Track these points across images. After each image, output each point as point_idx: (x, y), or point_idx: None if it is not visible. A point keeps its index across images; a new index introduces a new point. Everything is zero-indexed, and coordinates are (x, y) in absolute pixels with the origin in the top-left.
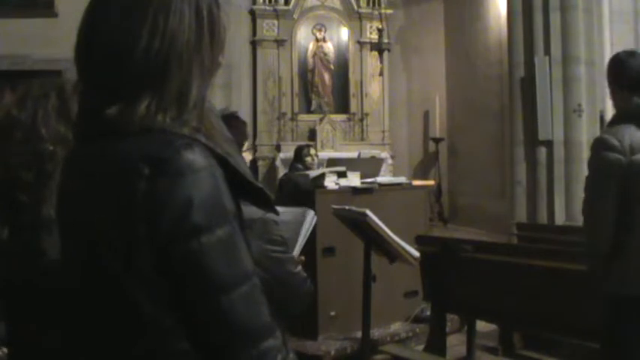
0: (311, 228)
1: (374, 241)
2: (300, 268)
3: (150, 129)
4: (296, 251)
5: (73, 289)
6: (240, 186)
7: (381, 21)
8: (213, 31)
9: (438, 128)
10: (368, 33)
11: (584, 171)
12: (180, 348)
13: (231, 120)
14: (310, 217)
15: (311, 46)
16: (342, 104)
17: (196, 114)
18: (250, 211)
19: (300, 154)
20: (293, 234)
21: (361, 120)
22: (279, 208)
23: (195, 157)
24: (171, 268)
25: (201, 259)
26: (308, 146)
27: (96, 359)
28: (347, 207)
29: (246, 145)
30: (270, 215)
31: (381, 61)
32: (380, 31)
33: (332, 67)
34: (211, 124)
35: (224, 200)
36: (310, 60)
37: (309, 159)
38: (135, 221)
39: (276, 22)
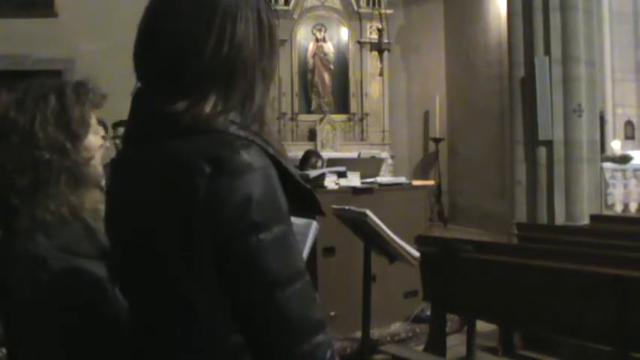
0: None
1: (374, 241)
2: None
3: (211, 129)
4: None
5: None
6: (289, 188)
7: (381, 21)
8: (273, 41)
9: (438, 128)
10: (368, 33)
11: (585, 171)
12: (235, 342)
13: None
14: (314, 229)
15: (311, 46)
16: (342, 104)
17: (258, 118)
18: None
19: (308, 160)
20: (300, 245)
21: (361, 120)
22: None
23: (253, 157)
24: (229, 265)
25: (259, 256)
26: (317, 155)
27: (151, 354)
28: (347, 207)
29: None
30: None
31: (381, 61)
32: (380, 31)
33: (332, 67)
34: (269, 128)
35: (279, 199)
36: (310, 60)
37: (318, 164)
38: (195, 219)
39: (276, 22)
